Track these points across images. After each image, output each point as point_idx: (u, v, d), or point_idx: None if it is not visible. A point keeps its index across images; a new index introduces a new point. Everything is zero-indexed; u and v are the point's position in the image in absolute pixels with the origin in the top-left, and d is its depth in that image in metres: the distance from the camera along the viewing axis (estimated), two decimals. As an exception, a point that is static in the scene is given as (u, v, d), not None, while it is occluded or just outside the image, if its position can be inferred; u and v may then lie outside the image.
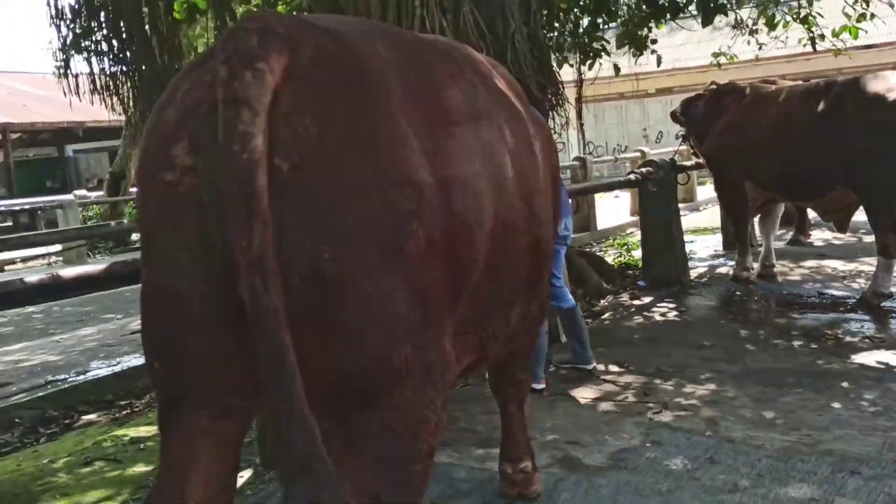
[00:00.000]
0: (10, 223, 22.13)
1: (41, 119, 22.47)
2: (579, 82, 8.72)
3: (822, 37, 9.35)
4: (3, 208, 17.64)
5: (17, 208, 17.16)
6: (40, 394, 5.85)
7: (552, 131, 7.00)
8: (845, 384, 4.80)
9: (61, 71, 8.06)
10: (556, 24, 8.99)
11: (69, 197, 15.74)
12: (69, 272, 3.11)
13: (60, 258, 14.29)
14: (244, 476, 3.96)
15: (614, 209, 14.88)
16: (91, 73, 7.89)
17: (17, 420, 5.47)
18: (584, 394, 4.90)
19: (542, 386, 4.99)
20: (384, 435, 2.05)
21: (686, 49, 23.95)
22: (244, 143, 1.80)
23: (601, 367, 5.38)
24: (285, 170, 1.86)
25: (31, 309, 9.66)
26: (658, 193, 7.79)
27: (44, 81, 8.00)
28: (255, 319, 1.78)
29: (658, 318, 6.77)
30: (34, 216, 18.06)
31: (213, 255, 1.88)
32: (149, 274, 2.09)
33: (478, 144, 2.34)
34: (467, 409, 4.62)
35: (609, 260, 9.62)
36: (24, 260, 14.36)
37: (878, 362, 5.20)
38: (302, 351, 1.86)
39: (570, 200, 5.21)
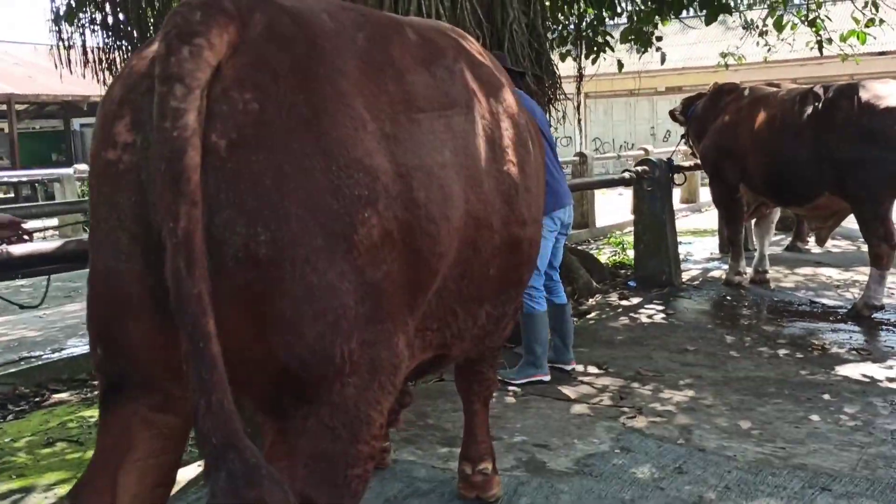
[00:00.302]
0: (12, 194, 22.19)
1: (45, 91, 22.34)
2: (579, 77, 8.58)
3: (830, 41, 9.18)
4: (4, 179, 17.60)
5: (16, 180, 17.09)
6: (12, 370, 5.77)
7: (550, 126, 6.94)
8: (826, 396, 4.69)
9: (55, 43, 7.95)
10: (560, 17, 8.85)
11: (68, 171, 15.62)
12: (19, 249, 3.01)
13: (56, 232, 14.23)
14: (203, 465, 3.87)
15: (616, 207, 14.74)
16: (84, 46, 7.79)
17: (-15, 395, 5.40)
18: (558, 395, 4.79)
19: (572, 367, 5.18)
20: (321, 433, 1.95)
21: (698, 48, 23.75)
22: (175, 119, 1.72)
23: (580, 367, 5.28)
24: (222, 147, 1.78)
25: (20, 282, 9.61)
26: (653, 193, 7.67)
27: (50, 53, 7.88)
28: (176, 304, 1.69)
29: (644, 319, 6.66)
30: (35, 188, 18.03)
31: (151, 237, 1.79)
32: (91, 255, 2.01)
33: (448, 134, 2.24)
34: (437, 405, 4.52)
35: (603, 258, 9.52)
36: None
37: (863, 375, 5.08)
38: (236, 339, 1.79)
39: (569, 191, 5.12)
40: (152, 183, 1.76)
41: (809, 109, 6.55)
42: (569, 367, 5.19)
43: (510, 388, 4.86)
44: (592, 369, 5.29)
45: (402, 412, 3.62)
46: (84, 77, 7.82)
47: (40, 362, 5.98)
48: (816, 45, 9.27)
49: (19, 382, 5.64)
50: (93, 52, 7.91)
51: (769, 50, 10.97)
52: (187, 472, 3.79)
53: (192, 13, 1.83)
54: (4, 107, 22.70)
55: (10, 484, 3.98)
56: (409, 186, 2.03)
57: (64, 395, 5.48)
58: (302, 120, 1.85)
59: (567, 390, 4.86)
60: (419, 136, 2.12)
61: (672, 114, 8.44)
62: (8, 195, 22.81)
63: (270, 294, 1.81)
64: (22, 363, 5.96)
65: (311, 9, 2.13)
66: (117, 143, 1.88)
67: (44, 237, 13.83)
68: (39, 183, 16.72)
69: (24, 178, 16.81)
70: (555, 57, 7.92)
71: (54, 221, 13.91)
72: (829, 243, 9.69)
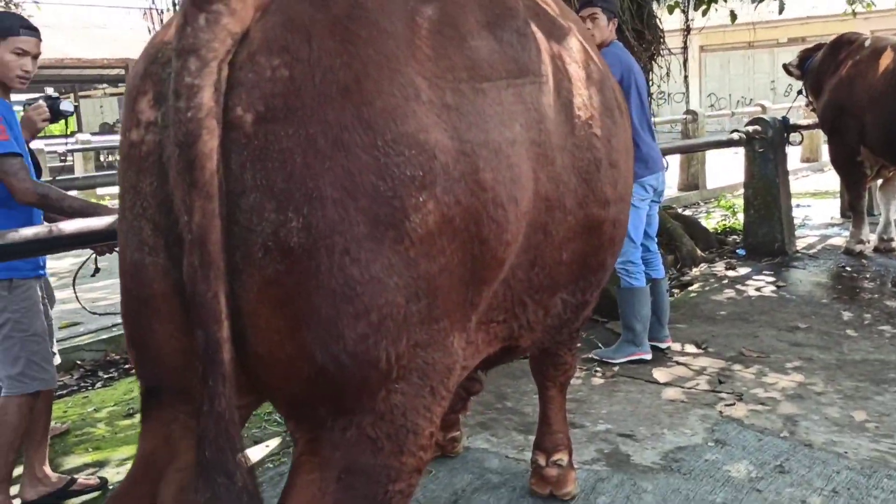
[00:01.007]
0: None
1: (161, 57, 22.83)
2: (687, 30, 8.01)
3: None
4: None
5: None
6: (104, 336, 5.83)
7: (651, 83, 6.50)
8: (957, 386, 4.19)
9: (150, 7, 7.96)
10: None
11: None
12: (70, 225, 2.91)
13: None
14: (270, 446, 3.76)
15: (730, 167, 13.95)
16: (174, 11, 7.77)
17: (78, 362, 5.47)
18: (650, 377, 4.46)
19: (668, 345, 4.85)
20: (361, 445, 1.75)
21: (824, -5, 22.21)
22: (189, 98, 1.54)
23: (676, 345, 4.93)
24: (248, 121, 1.58)
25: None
26: (765, 155, 7.11)
27: (145, 17, 7.91)
28: (190, 306, 1.56)
29: (752, 292, 6.18)
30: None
31: (174, 227, 1.62)
32: (119, 247, 1.85)
33: (519, 106, 1.97)
34: (518, 386, 4.27)
35: (712, 223, 8.99)
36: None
37: None
38: (267, 338, 1.63)
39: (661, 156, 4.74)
40: (169, 168, 1.60)
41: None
42: (664, 346, 4.85)
43: (596, 368, 4.56)
44: (690, 348, 4.92)
45: (470, 400, 3.39)
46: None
47: (132, 329, 5.99)
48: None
49: (111, 349, 5.69)
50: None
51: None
52: (257, 452, 3.69)
53: None
54: (122, 71, 23.46)
55: (86, 457, 3.97)
56: (474, 167, 1.77)
57: (153, 363, 5.48)
58: (340, 87, 1.61)
59: (660, 372, 4.52)
60: (485, 109, 1.85)
61: (786, 67, 7.78)
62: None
63: (304, 288, 1.60)
64: (114, 329, 6.00)
65: None
66: (140, 122, 1.71)
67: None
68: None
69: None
70: (661, 10, 7.41)
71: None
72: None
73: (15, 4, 9.28)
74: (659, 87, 7.08)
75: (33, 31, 3.26)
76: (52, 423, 4.11)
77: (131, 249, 1.75)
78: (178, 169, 1.53)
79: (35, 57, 3.28)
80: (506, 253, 1.92)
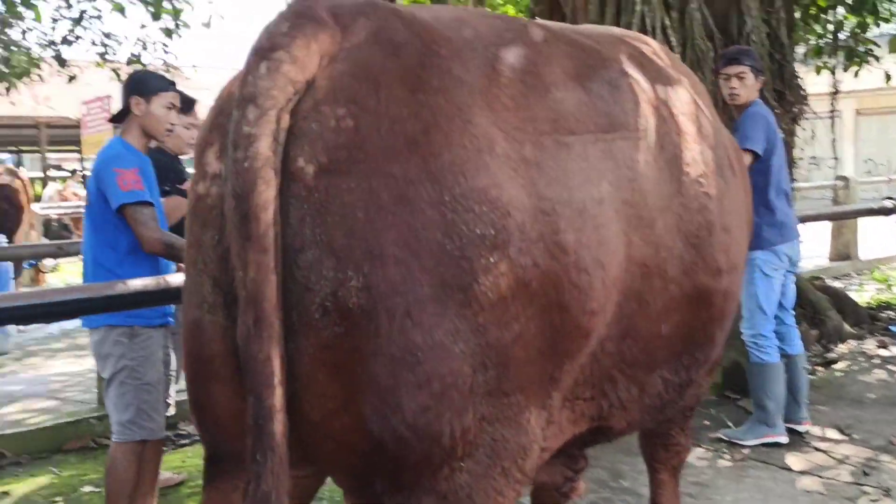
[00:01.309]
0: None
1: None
2: (834, 91, 7.60)
3: None
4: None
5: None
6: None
7: (793, 146, 6.16)
8: None
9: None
10: (814, 25, 7.93)
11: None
12: (177, 278, 2.96)
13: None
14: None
15: (888, 236, 13.03)
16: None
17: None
18: (785, 463, 4.08)
19: (806, 428, 4.43)
20: None
21: None
22: (246, 147, 1.49)
23: (816, 430, 4.52)
24: (309, 173, 1.52)
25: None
26: (923, 224, 6.57)
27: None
28: (243, 368, 1.49)
29: (906, 374, 5.65)
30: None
31: (234, 284, 1.56)
32: (183, 305, 1.83)
33: (608, 162, 1.84)
34: (635, 465, 3.98)
35: (866, 296, 8.38)
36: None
37: None
38: (322, 406, 1.55)
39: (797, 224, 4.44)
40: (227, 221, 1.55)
41: None
42: (801, 429, 4.45)
43: (724, 450, 4.22)
44: (831, 433, 4.50)
45: (579, 481, 3.16)
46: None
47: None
48: None
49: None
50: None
51: None
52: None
53: (279, 24, 1.61)
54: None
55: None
56: (555, 227, 1.65)
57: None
58: (407, 139, 1.54)
59: (795, 458, 4.14)
60: (569, 165, 1.73)
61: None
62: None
63: (362, 353, 1.51)
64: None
65: (438, 15, 1.82)
66: (207, 175, 1.70)
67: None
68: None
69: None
70: (808, 72, 7.08)
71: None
72: None
73: (174, 67, 9.91)
74: (803, 150, 6.70)
75: (175, 87, 3.51)
76: (169, 473, 4.17)
77: (192, 307, 1.71)
78: (234, 221, 1.49)
79: (178, 111, 3.52)
80: (591, 323, 1.76)
